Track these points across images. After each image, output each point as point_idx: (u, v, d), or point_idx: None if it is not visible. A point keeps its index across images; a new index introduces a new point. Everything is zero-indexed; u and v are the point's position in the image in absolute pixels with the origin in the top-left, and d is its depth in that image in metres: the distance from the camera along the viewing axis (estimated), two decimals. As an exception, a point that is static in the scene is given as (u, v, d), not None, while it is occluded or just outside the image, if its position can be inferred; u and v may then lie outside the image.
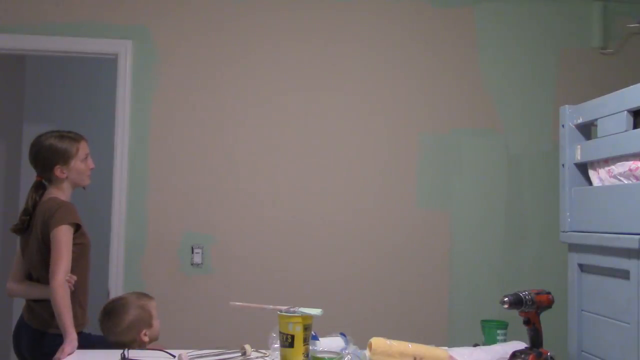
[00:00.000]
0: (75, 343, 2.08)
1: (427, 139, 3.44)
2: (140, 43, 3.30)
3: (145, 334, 2.18)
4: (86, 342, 2.20)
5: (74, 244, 2.25)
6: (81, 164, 2.37)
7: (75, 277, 2.25)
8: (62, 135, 2.37)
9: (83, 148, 2.39)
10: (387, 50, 3.45)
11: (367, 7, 3.44)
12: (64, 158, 2.33)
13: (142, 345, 2.13)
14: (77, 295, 2.29)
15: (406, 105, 3.44)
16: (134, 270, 3.22)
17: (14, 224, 2.37)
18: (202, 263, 3.26)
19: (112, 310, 2.21)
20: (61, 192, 2.36)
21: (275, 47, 3.38)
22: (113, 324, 2.16)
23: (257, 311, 1.87)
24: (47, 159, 2.33)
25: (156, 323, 2.24)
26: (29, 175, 4.26)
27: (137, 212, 3.25)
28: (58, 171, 2.33)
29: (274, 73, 3.37)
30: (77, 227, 2.28)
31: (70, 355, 2.01)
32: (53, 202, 2.29)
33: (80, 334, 2.21)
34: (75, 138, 2.38)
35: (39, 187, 2.38)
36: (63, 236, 2.20)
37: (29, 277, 2.38)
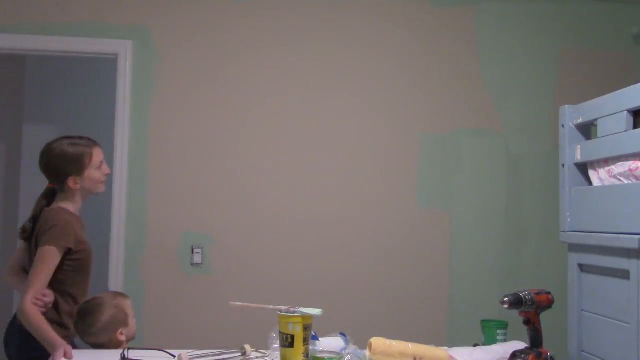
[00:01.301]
0: (65, 349, 1.96)
1: (428, 139, 3.44)
2: (140, 43, 3.30)
3: (121, 333, 2.14)
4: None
5: (73, 259, 2.17)
6: (96, 172, 2.25)
7: (49, 296, 2.12)
8: (74, 142, 2.24)
9: (97, 154, 2.26)
10: (387, 50, 3.45)
11: (367, 7, 3.44)
12: (78, 168, 2.20)
13: (119, 345, 2.11)
14: (75, 305, 2.20)
15: (406, 105, 3.44)
16: (134, 270, 3.22)
17: (21, 226, 2.28)
18: (202, 263, 3.26)
19: (86, 311, 2.15)
20: (71, 203, 2.24)
21: (275, 47, 3.38)
22: (87, 325, 2.12)
23: (257, 311, 1.87)
24: (59, 168, 2.21)
25: (132, 322, 2.20)
26: (29, 176, 4.28)
27: (137, 212, 3.24)
28: (71, 182, 2.21)
29: (274, 73, 3.37)
30: (69, 250, 2.16)
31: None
32: (55, 216, 2.18)
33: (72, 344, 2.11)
34: (88, 145, 2.25)
35: (50, 194, 2.28)
36: (46, 258, 2.09)
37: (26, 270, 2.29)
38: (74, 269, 2.20)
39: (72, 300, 2.22)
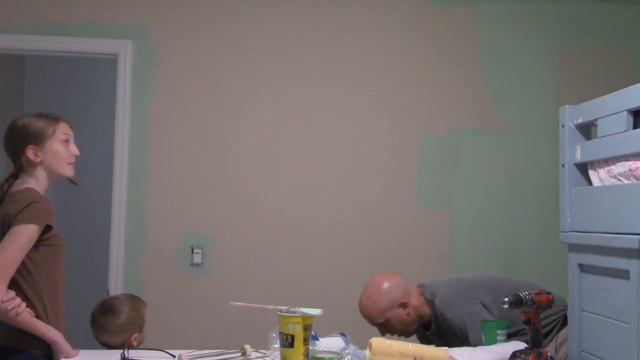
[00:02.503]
0: (65, 347, 1.88)
1: (428, 138, 3.44)
2: (140, 43, 3.29)
3: (134, 339, 2.15)
4: None
5: (46, 244, 1.93)
6: (59, 146, 2.01)
7: (15, 299, 1.84)
8: (39, 114, 2.04)
9: (63, 129, 2.04)
10: (387, 49, 3.44)
11: (368, 6, 3.44)
12: (38, 137, 1.98)
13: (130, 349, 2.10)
14: (55, 304, 1.97)
15: (407, 105, 3.44)
16: (134, 270, 3.22)
17: None
18: (201, 263, 3.25)
19: (108, 308, 2.15)
20: (36, 182, 1.99)
21: (275, 47, 3.37)
22: (107, 322, 2.11)
23: (257, 311, 1.87)
24: (18, 139, 1.99)
25: (144, 329, 2.21)
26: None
27: (137, 212, 3.24)
28: (30, 152, 1.97)
29: (274, 73, 3.37)
30: (49, 228, 1.94)
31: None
32: (29, 193, 1.93)
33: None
34: (54, 118, 2.04)
35: (12, 178, 2.03)
36: (24, 234, 1.84)
37: None
38: (46, 258, 1.95)
39: (39, 302, 1.93)
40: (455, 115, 3.47)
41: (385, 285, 2.30)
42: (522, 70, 3.53)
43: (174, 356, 1.87)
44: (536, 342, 1.83)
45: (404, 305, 2.26)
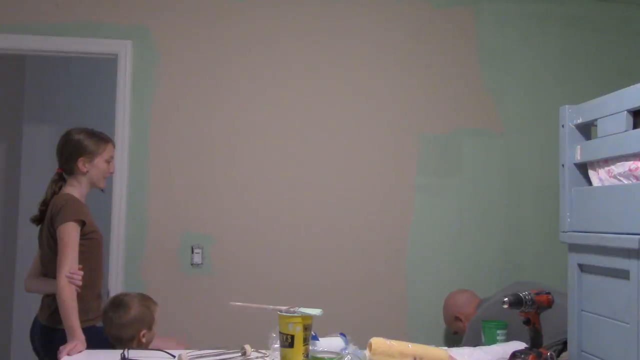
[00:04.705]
0: (83, 344, 2.11)
1: (428, 139, 3.44)
2: (140, 43, 3.30)
3: (143, 336, 2.18)
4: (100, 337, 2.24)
5: (85, 238, 2.31)
6: (104, 164, 2.46)
7: (81, 272, 2.24)
8: (93, 132, 2.47)
9: (110, 150, 2.48)
10: (387, 50, 3.45)
11: (368, 7, 3.44)
12: (89, 153, 2.41)
13: (139, 346, 2.14)
14: (93, 288, 2.37)
15: (407, 105, 3.44)
16: (134, 270, 3.22)
17: (34, 214, 2.44)
18: (202, 263, 3.25)
19: (117, 303, 2.24)
20: (77, 188, 2.41)
21: (275, 47, 3.38)
22: (117, 315, 2.18)
23: (257, 311, 1.87)
24: (72, 151, 2.41)
25: (154, 329, 2.25)
26: (29, 175, 4.28)
27: (137, 212, 3.24)
28: (80, 163, 2.40)
29: (274, 73, 3.37)
30: (84, 223, 2.32)
31: (70, 355, 2.01)
32: (63, 198, 2.34)
33: (94, 328, 2.29)
34: (104, 139, 2.48)
35: (59, 180, 2.45)
36: (68, 234, 2.24)
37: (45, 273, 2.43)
38: (88, 251, 2.32)
39: (87, 286, 2.28)
40: (455, 115, 3.47)
41: (448, 300, 3.17)
42: (522, 70, 3.53)
43: (174, 356, 1.87)
44: (536, 342, 1.83)
45: (458, 319, 3.05)
